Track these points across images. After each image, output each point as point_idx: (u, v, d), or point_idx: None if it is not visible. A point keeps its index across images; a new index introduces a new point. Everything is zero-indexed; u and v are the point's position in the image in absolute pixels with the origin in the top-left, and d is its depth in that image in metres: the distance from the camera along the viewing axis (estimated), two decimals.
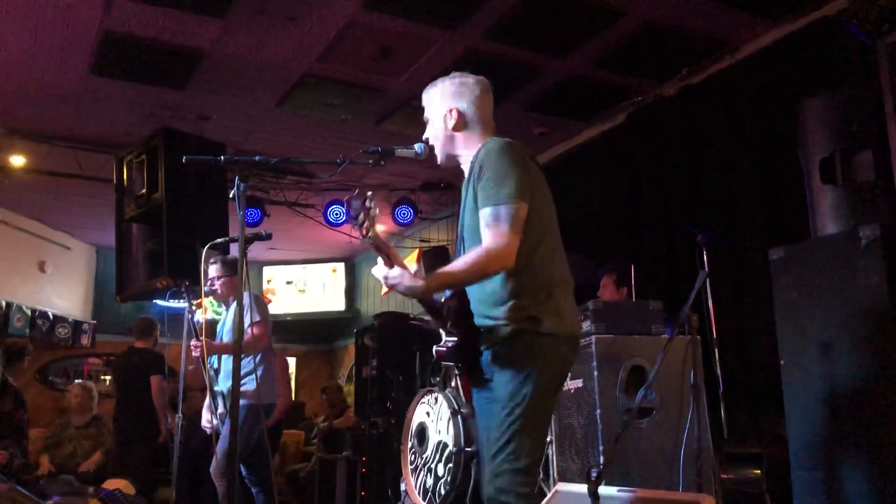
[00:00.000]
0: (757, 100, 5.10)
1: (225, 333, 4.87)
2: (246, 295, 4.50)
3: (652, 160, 5.97)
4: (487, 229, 2.37)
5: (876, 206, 3.20)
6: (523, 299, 2.41)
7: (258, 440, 4.59)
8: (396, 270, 2.37)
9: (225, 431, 4.52)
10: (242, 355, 4.26)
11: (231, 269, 4.77)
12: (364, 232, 2.28)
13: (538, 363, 2.36)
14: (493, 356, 2.44)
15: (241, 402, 4.27)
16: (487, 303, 2.47)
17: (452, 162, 2.65)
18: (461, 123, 2.60)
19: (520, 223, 2.36)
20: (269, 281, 11.02)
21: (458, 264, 2.41)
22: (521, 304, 2.40)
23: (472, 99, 2.62)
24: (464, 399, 2.73)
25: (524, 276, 2.41)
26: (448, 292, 2.56)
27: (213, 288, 4.78)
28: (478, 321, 2.49)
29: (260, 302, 4.77)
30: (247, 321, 4.58)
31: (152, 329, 6.71)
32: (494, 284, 2.44)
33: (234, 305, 4.61)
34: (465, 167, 2.60)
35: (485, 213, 2.39)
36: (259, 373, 4.66)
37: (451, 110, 2.60)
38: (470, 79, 2.65)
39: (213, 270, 4.77)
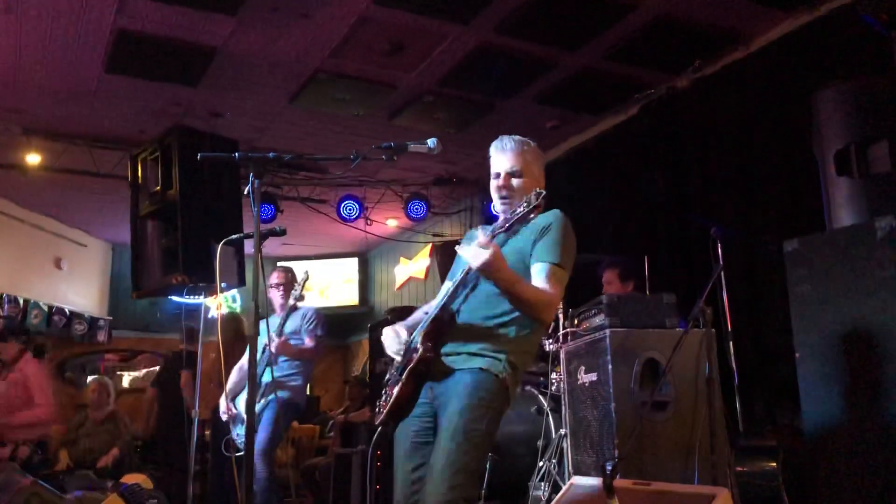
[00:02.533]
0: (771, 91, 5.07)
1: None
2: (312, 309, 5.03)
3: (665, 153, 5.94)
4: (544, 281, 2.50)
5: (892, 198, 3.17)
6: (515, 347, 2.52)
7: None
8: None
9: (263, 421, 4.69)
10: (286, 358, 4.81)
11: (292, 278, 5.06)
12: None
13: (498, 402, 2.47)
14: (460, 379, 2.49)
15: (284, 394, 4.66)
16: (488, 323, 2.53)
17: (506, 210, 2.68)
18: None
19: (563, 291, 2.55)
20: None
21: (528, 286, 2.50)
22: (513, 348, 2.51)
23: None
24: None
25: (531, 332, 2.57)
26: (442, 304, 2.61)
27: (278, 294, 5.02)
28: (465, 338, 2.53)
29: (323, 320, 5.03)
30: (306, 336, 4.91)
31: (191, 334, 6.87)
32: (504, 315, 2.53)
33: (292, 315, 4.93)
34: (505, 214, 2.65)
35: (543, 266, 2.52)
36: (297, 379, 4.91)
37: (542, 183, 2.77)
38: None
39: (277, 277, 5.04)
